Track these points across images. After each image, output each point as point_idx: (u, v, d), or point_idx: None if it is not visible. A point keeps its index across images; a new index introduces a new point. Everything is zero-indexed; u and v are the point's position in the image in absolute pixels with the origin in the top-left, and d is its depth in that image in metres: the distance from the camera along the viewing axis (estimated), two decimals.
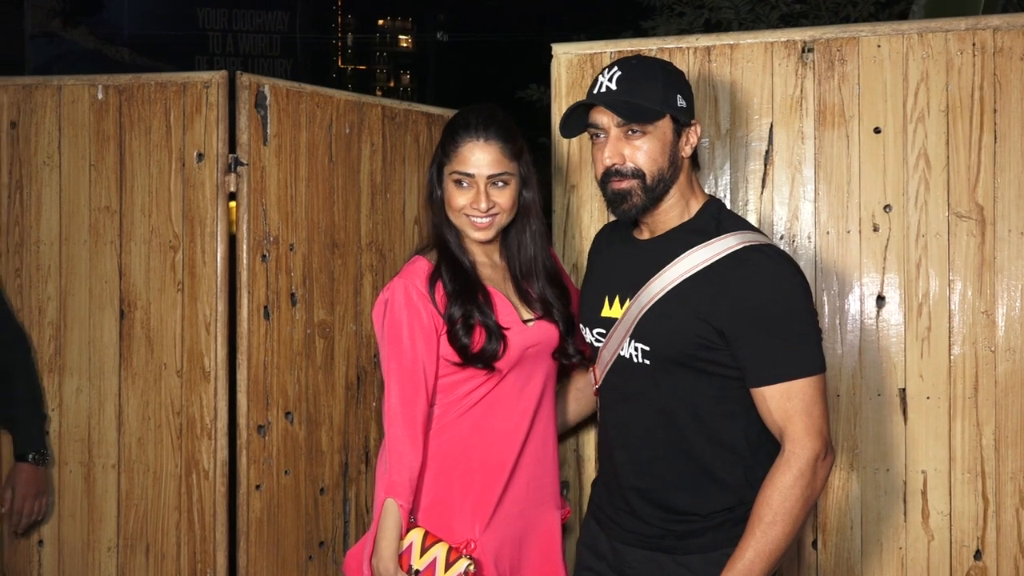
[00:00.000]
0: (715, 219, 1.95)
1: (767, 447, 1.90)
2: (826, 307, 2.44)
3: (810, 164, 2.46)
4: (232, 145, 2.74)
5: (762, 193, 2.49)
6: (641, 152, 1.92)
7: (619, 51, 2.57)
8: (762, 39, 2.50)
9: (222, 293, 2.73)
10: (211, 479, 2.70)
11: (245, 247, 2.70)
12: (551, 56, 2.64)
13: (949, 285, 2.37)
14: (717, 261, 1.87)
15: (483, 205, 2.11)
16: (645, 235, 2.04)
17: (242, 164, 2.71)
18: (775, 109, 2.48)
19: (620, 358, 1.99)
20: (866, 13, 4.89)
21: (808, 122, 2.46)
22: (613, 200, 1.96)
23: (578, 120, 2.00)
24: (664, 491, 1.95)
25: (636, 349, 1.95)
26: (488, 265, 2.22)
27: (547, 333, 2.20)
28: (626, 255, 2.06)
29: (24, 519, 2.68)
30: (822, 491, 1.86)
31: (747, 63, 2.50)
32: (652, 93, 1.91)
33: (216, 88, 2.75)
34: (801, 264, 2.45)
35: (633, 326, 1.94)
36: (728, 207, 2.49)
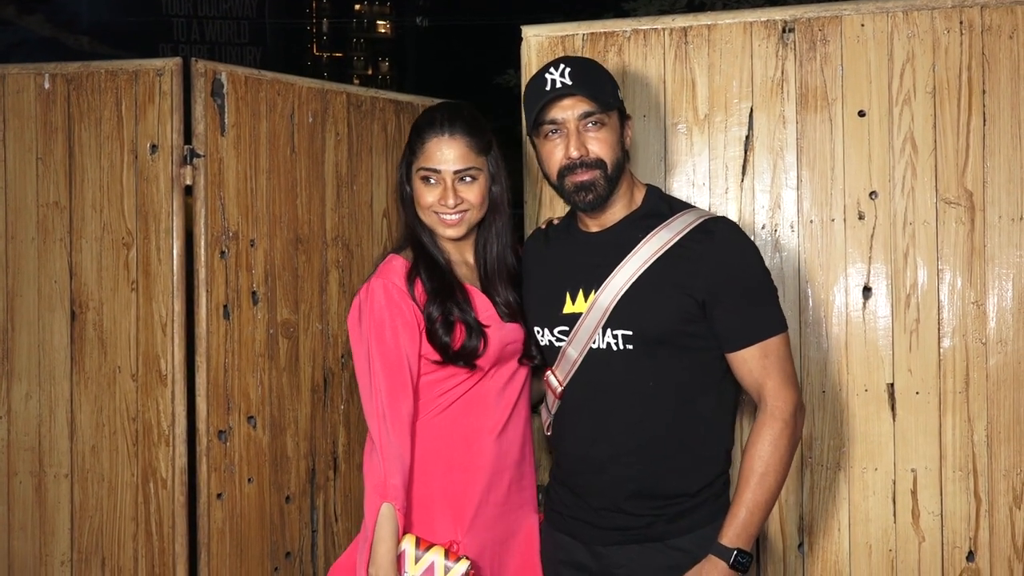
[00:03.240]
0: (664, 202, 2.04)
1: (733, 417, 2.05)
2: (811, 299, 2.34)
3: (792, 150, 2.36)
4: (188, 136, 2.61)
5: (742, 181, 2.38)
6: (602, 143, 1.96)
7: (591, 32, 2.46)
8: (741, 19, 2.39)
9: (179, 292, 2.60)
10: (170, 488, 2.58)
11: (203, 243, 2.58)
12: (521, 39, 2.52)
13: (938, 275, 2.28)
14: (684, 236, 1.94)
15: (451, 201, 2.08)
16: (594, 228, 2.06)
17: (198, 156, 2.59)
18: (755, 92, 2.37)
19: (592, 351, 1.98)
20: None
21: (790, 106, 2.36)
22: (576, 192, 1.97)
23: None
24: (654, 478, 1.95)
25: (616, 337, 1.94)
26: (462, 264, 2.19)
27: (520, 332, 2.16)
28: (579, 250, 2.06)
29: None
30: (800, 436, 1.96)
31: (725, 44, 2.39)
32: (605, 87, 1.98)
33: (170, 76, 2.62)
34: (784, 255, 2.36)
35: (607, 315, 1.94)
36: (708, 195, 2.39)
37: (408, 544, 1.97)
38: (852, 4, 2.35)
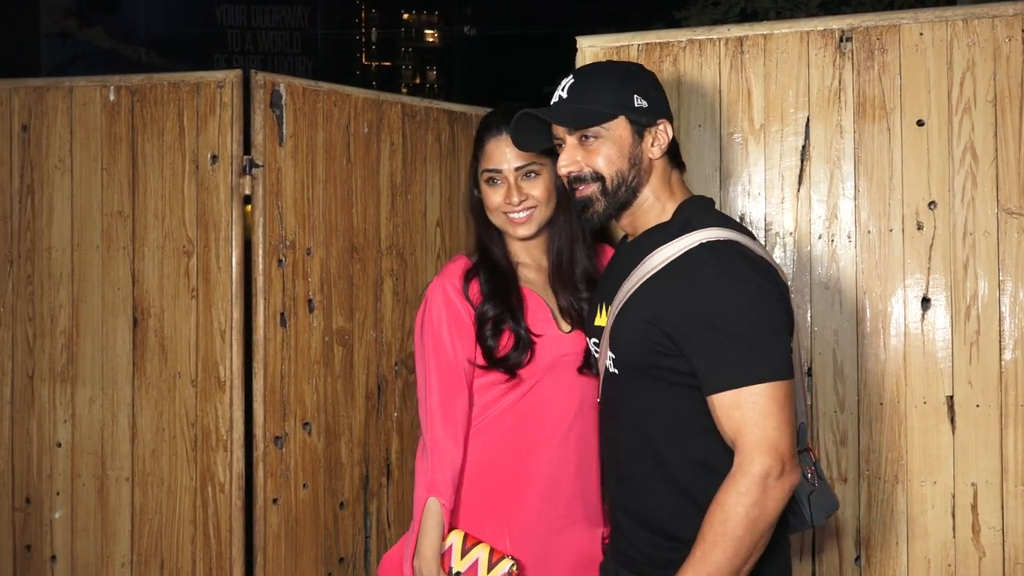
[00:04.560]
0: (685, 217, 1.85)
1: None
2: (868, 310, 2.31)
3: (849, 159, 2.34)
4: (247, 146, 2.66)
5: (799, 191, 2.37)
6: (597, 156, 1.84)
7: (646, 43, 2.46)
8: (797, 28, 2.38)
9: (237, 300, 2.65)
10: (227, 492, 2.62)
11: (261, 252, 2.62)
12: (576, 50, 2.53)
13: (999, 286, 2.24)
14: (674, 261, 1.77)
15: (515, 199, 2.09)
16: (629, 238, 1.96)
17: (257, 166, 2.63)
18: (812, 102, 2.36)
19: (606, 368, 1.91)
20: None
21: (847, 115, 2.34)
22: (578, 209, 1.89)
23: (543, 135, 1.94)
24: (646, 511, 1.84)
25: (610, 358, 1.87)
26: (532, 268, 2.19)
27: (582, 341, 2.13)
28: (615, 260, 2.01)
29: None
30: (776, 513, 1.65)
31: (782, 54, 2.38)
32: (603, 96, 1.84)
33: (230, 87, 2.67)
34: (841, 265, 2.33)
35: (609, 333, 1.87)
36: (764, 205, 2.38)
37: (456, 539, 2.00)
38: (911, 13, 2.33)
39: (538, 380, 2.09)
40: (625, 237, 2.02)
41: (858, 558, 2.32)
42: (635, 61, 2.46)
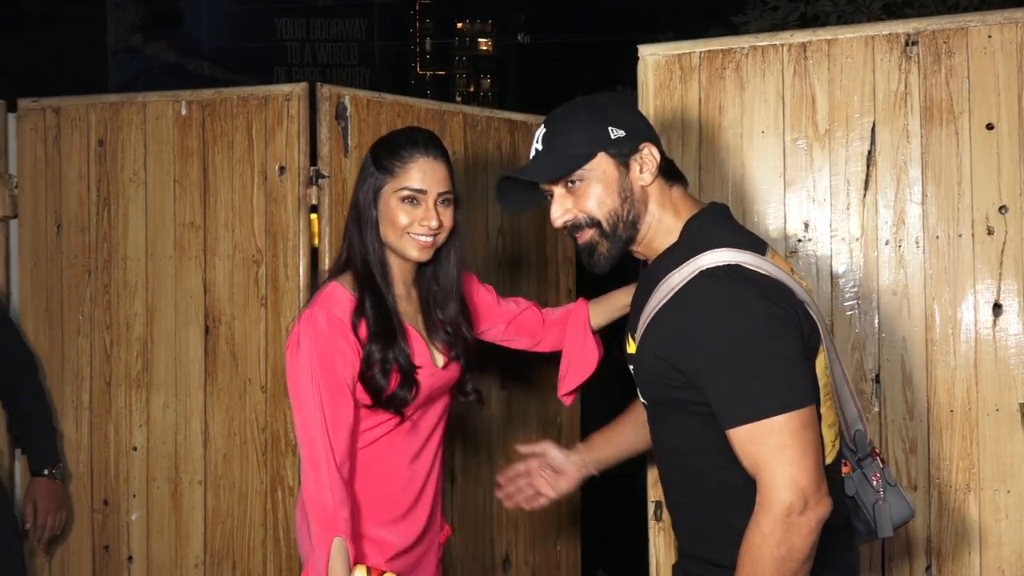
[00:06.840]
0: (692, 239, 1.76)
1: None
2: (937, 316, 2.29)
3: (916, 164, 2.31)
4: (313, 157, 2.71)
5: (864, 196, 2.35)
6: (586, 199, 1.77)
7: (708, 50, 2.46)
8: (862, 33, 2.37)
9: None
10: (296, 496, 2.67)
11: (327, 260, 2.67)
12: (637, 58, 2.54)
13: None
14: (677, 292, 1.71)
15: (433, 223, 2.04)
16: (648, 264, 1.88)
17: (323, 176, 2.69)
18: (877, 107, 2.34)
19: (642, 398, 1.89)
20: (977, 0, 4.62)
21: (913, 119, 2.32)
22: (585, 255, 1.82)
23: (529, 194, 1.88)
24: (693, 538, 1.82)
25: (638, 389, 1.86)
26: (404, 298, 2.15)
27: (453, 373, 2.17)
28: (639, 289, 1.93)
29: (47, 532, 2.74)
30: (806, 547, 1.59)
31: (846, 59, 2.36)
32: (576, 137, 1.77)
33: (297, 101, 2.73)
34: (909, 271, 2.31)
35: (634, 366, 1.84)
36: (829, 211, 2.36)
37: (360, 574, 1.97)
38: (978, 15, 2.30)
39: (412, 413, 2.10)
40: (645, 262, 1.95)
41: (928, 567, 2.29)
42: (694, 68, 2.46)
